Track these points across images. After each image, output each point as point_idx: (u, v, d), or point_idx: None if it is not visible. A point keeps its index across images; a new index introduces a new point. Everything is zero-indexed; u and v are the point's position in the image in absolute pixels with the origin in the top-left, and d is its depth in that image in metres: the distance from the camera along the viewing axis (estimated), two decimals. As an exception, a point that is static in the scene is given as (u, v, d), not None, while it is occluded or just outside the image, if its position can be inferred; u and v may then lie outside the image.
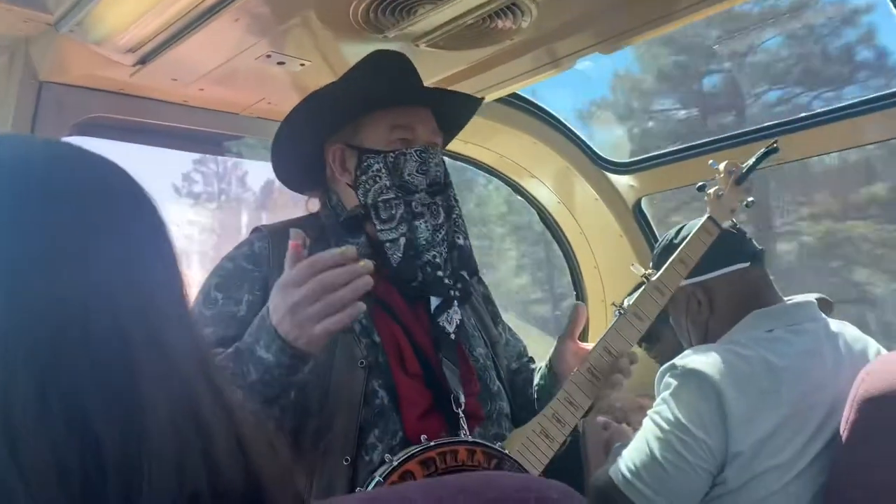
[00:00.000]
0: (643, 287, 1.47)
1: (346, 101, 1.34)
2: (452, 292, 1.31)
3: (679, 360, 1.45)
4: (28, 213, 0.49)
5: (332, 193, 1.40)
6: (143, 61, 1.53)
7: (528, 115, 2.33)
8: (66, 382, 0.45)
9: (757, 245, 1.63)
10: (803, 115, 2.02)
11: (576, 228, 2.65)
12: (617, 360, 1.36)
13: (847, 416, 1.35)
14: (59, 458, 0.43)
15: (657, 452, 1.38)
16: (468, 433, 1.21)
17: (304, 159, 1.40)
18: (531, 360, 1.61)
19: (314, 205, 1.45)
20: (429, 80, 1.80)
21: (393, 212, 1.29)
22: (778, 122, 2.03)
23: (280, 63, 1.60)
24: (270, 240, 1.31)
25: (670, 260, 1.49)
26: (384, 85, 1.34)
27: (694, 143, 2.27)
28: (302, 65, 1.62)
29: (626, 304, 1.47)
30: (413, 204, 1.30)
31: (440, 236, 1.31)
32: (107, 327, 0.47)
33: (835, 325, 1.54)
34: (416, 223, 1.30)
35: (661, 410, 1.43)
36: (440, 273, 1.30)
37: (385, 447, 1.17)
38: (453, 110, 1.46)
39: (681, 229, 1.64)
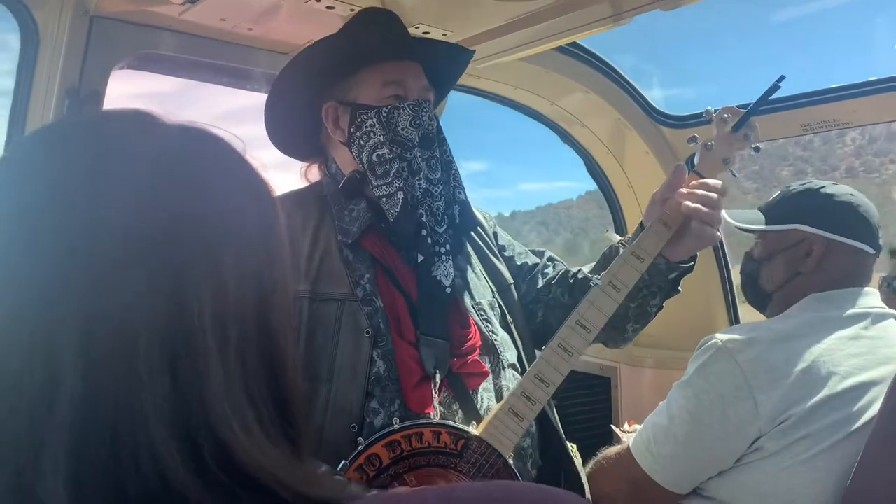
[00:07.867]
0: (620, 255, 1.31)
1: (335, 57, 1.33)
2: (446, 247, 1.30)
3: (720, 336, 1.42)
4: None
5: (330, 161, 1.42)
6: (192, 0, 1.51)
7: (584, 63, 2.25)
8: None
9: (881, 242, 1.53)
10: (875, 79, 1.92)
11: (623, 181, 2.59)
12: (590, 335, 1.25)
13: (885, 405, 1.33)
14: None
15: (674, 427, 1.39)
16: (437, 404, 1.21)
17: (299, 121, 1.40)
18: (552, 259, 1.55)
19: (312, 174, 1.47)
20: (480, 29, 1.75)
21: (388, 167, 1.29)
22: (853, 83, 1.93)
23: (329, 7, 1.56)
24: None
25: (650, 223, 1.33)
26: (374, 39, 1.34)
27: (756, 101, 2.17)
28: (352, 10, 1.58)
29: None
30: (410, 160, 1.30)
31: (438, 190, 1.31)
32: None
33: None
34: (414, 179, 1.29)
35: (689, 384, 1.42)
36: (437, 228, 1.30)
37: (385, 414, 1.19)
38: (445, 64, 1.44)
39: (806, 189, 1.53)
